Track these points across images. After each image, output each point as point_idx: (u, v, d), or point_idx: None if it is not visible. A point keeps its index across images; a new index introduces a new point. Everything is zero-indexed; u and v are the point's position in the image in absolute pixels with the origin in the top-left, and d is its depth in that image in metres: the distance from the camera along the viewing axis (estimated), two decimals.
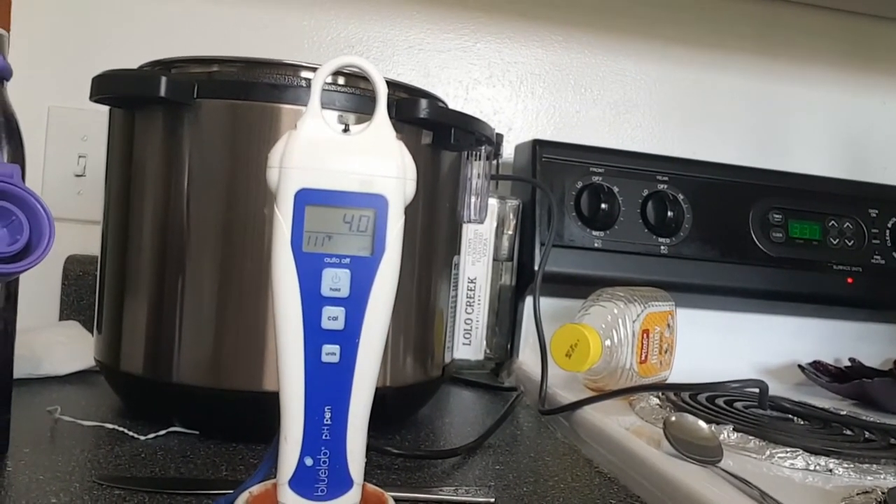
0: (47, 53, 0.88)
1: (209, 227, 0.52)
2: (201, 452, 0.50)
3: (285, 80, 0.52)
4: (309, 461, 0.30)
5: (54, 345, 0.69)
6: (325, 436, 0.30)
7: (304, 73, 0.53)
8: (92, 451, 0.48)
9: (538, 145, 0.89)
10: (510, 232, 0.88)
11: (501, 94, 1.01)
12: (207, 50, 0.93)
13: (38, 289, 0.84)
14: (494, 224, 0.86)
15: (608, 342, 0.71)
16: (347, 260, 0.30)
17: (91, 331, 0.74)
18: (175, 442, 0.51)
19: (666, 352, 0.80)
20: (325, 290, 0.29)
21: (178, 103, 0.51)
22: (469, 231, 0.84)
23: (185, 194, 0.52)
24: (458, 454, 0.54)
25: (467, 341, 0.86)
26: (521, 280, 0.89)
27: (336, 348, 0.30)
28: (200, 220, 0.52)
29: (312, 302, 0.29)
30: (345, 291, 0.30)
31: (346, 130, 0.31)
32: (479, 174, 0.69)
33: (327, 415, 0.30)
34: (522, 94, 1.01)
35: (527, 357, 0.87)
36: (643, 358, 0.74)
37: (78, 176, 0.88)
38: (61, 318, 0.85)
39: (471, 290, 0.85)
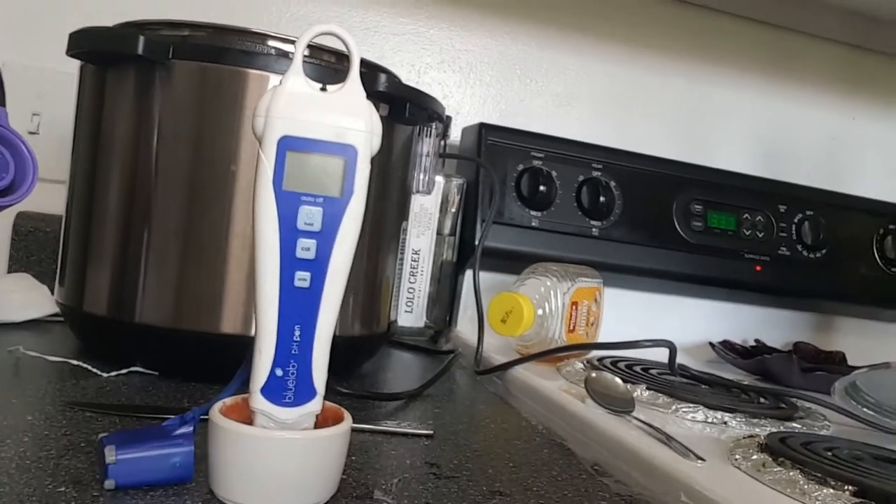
0: (1, 10, 0.88)
1: (176, 179, 0.56)
2: (162, 389, 0.54)
3: (255, 47, 0.56)
4: (279, 372, 0.35)
5: (7, 293, 0.71)
6: (294, 350, 0.35)
7: (272, 42, 0.57)
8: (58, 382, 0.52)
9: (484, 129, 0.95)
10: (454, 209, 0.94)
11: (451, 80, 1.06)
12: (168, 13, 0.95)
13: None
14: (439, 200, 0.91)
15: (540, 311, 0.77)
16: (321, 199, 0.34)
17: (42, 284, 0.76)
18: (137, 380, 0.55)
19: (592, 325, 0.87)
20: (301, 225, 0.34)
21: (152, 62, 0.54)
22: (415, 205, 0.89)
23: (153, 148, 0.56)
24: (402, 398, 0.59)
25: (409, 309, 0.91)
26: (462, 255, 0.94)
27: (307, 275, 0.34)
28: (168, 173, 0.56)
29: (289, 234, 0.34)
30: (317, 226, 0.34)
31: (323, 89, 0.35)
32: (428, 150, 0.74)
33: (297, 332, 0.35)
34: (471, 80, 1.07)
35: (464, 327, 0.93)
36: (571, 328, 0.81)
37: (32, 133, 0.89)
38: (9, 273, 0.86)
39: (414, 261, 0.90)
